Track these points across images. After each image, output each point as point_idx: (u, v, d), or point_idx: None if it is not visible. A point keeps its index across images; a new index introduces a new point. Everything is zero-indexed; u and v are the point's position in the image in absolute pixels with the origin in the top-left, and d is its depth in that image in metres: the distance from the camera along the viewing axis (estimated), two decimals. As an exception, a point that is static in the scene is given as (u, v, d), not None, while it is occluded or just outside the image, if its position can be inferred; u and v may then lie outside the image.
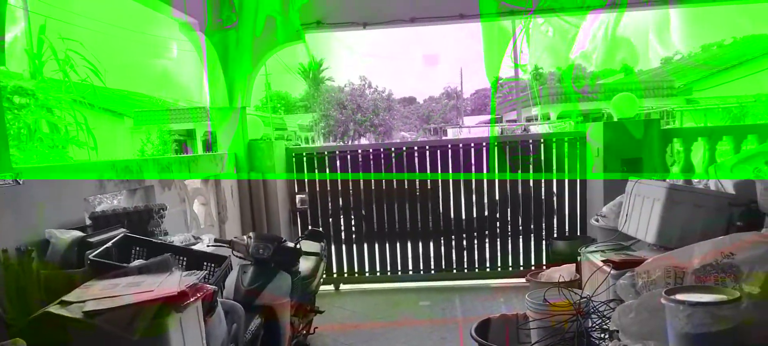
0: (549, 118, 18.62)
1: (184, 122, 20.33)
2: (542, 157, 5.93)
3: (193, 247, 3.17)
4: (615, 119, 5.53)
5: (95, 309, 1.98)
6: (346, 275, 6.35)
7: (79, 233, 2.77)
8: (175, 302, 2.08)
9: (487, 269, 6.19)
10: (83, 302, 2.05)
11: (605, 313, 2.23)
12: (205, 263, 2.90)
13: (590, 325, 2.23)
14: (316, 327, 4.64)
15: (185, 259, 2.88)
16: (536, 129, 18.41)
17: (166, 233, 3.33)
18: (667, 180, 3.74)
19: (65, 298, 2.11)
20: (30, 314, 2.10)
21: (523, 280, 5.51)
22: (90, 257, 2.52)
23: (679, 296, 1.68)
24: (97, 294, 2.12)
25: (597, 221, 4.13)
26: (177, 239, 3.23)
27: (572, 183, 5.90)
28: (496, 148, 5.92)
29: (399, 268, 6.31)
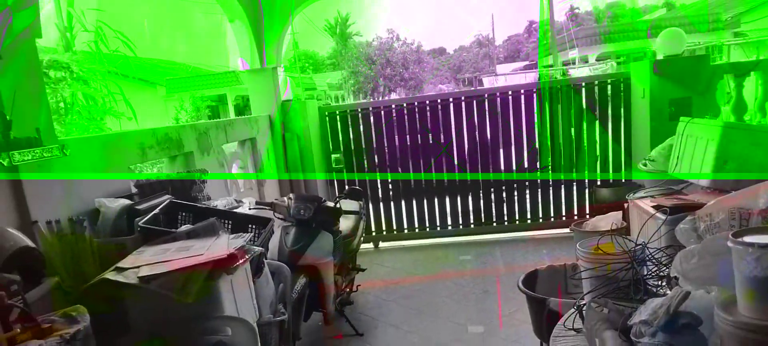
0: (587, 61, 17.96)
1: (216, 87, 20.48)
2: (583, 103, 5.71)
3: (236, 210, 3.20)
4: (660, 57, 5.25)
5: (149, 274, 2.01)
6: (384, 232, 6.37)
7: (127, 201, 2.82)
8: (226, 266, 2.10)
9: (529, 220, 6.10)
10: (137, 267, 2.09)
11: (662, 260, 2.14)
12: (249, 226, 2.93)
13: (645, 272, 2.14)
14: (359, 285, 4.70)
15: (230, 222, 2.91)
16: (576, 72, 17.81)
17: (208, 198, 3.36)
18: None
19: (120, 264, 2.15)
20: (86, 281, 2.16)
21: (566, 230, 5.41)
22: (139, 224, 2.57)
23: (747, 239, 1.58)
24: (150, 260, 2.16)
25: (644, 165, 3.97)
26: (220, 204, 3.27)
27: (616, 127, 5.69)
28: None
29: (438, 223, 6.29)
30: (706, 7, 17.96)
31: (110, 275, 2.06)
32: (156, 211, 2.72)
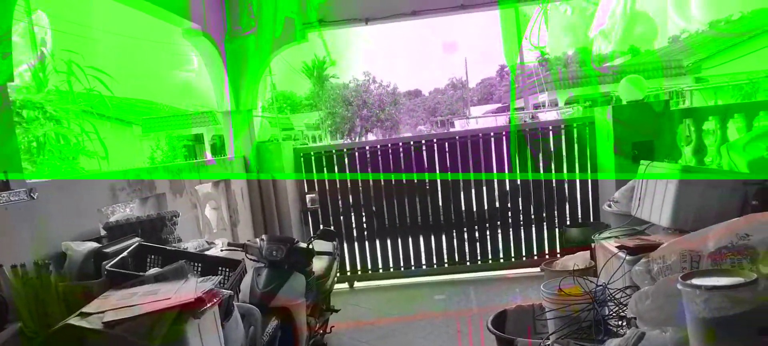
0: (556, 105, 18.49)
1: (192, 127, 20.43)
2: (552, 145, 5.89)
3: (207, 252, 3.20)
4: (624, 102, 5.48)
5: (114, 319, 2.00)
6: (359, 272, 6.37)
7: (94, 244, 2.80)
8: (193, 309, 2.10)
9: (501, 260, 6.18)
10: (102, 312, 2.08)
11: (622, 300, 2.21)
12: (219, 268, 2.93)
13: (607, 312, 2.22)
14: (333, 326, 4.66)
15: (200, 265, 2.91)
16: (544, 116, 18.30)
17: (179, 240, 3.35)
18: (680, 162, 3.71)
19: (84, 309, 2.13)
20: (50, 327, 2.13)
21: (537, 269, 5.50)
22: (106, 267, 2.55)
23: (696, 281, 1.67)
24: (116, 304, 2.14)
25: (610, 206, 4.11)
26: (191, 245, 3.26)
27: (583, 169, 5.87)
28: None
29: (412, 262, 6.31)
30: (669, 54, 18.78)
31: (74, 320, 2.04)
32: (124, 254, 2.70)
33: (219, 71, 5.55)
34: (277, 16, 5.53)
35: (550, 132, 5.90)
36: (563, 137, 5.85)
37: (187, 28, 5.12)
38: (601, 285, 2.20)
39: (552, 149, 5.90)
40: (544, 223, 6.07)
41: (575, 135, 5.81)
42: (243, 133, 5.83)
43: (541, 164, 5.96)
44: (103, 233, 3.12)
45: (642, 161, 3.76)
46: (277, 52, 5.90)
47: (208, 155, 19.66)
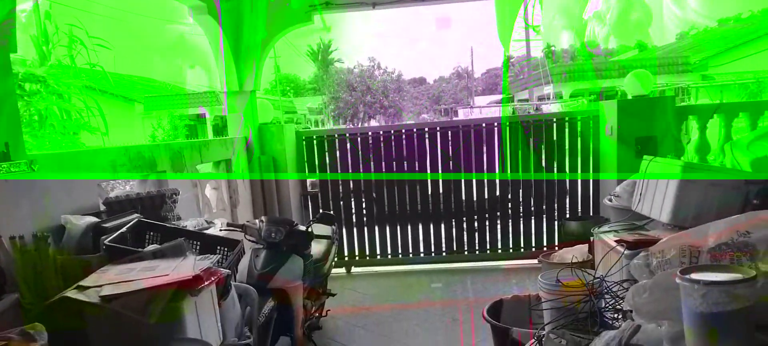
0: (561, 97, 18.41)
1: (195, 107, 20.38)
2: (555, 137, 5.87)
3: (206, 231, 3.20)
4: (629, 97, 5.45)
5: (111, 294, 2.00)
6: (357, 257, 6.38)
7: (93, 219, 2.80)
8: (190, 286, 2.10)
9: (499, 251, 6.19)
10: (99, 286, 2.08)
11: (619, 293, 2.21)
12: (218, 247, 2.93)
13: (603, 305, 2.22)
14: (329, 310, 4.68)
15: (199, 243, 2.91)
16: (548, 108, 18.23)
17: (179, 218, 3.35)
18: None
19: (82, 283, 2.14)
20: (47, 299, 2.14)
21: (535, 261, 5.51)
22: (105, 242, 2.55)
23: (694, 276, 1.66)
24: (113, 279, 2.15)
25: (610, 200, 4.10)
26: (190, 224, 3.26)
27: (585, 162, 5.85)
28: (507, 128, 5.87)
29: (410, 250, 6.32)
30: (676, 50, 18.65)
31: (71, 293, 2.05)
32: (123, 229, 2.70)
33: (221, 48, 5.48)
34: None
35: (554, 124, 5.86)
36: (567, 129, 5.81)
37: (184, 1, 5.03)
38: (598, 277, 2.20)
39: (554, 141, 5.87)
40: (544, 215, 6.06)
41: (579, 128, 5.78)
42: (246, 115, 5.80)
43: (543, 156, 5.94)
44: (102, 208, 3.12)
45: (644, 157, 3.74)
46: (281, 34, 5.86)
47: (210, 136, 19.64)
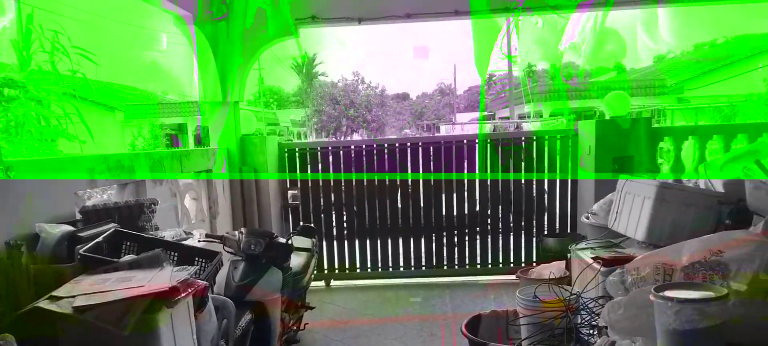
0: (541, 116, 18.68)
1: (176, 116, 20.19)
2: (534, 155, 5.96)
3: (184, 242, 3.16)
4: (607, 117, 5.56)
5: (85, 304, 1.97)
6: (337, 271, 6.35)
7: (69, 228, 2.75)
8: (166, 298, 2.07)
9: (478, 266, 6.22)
10: (73, 297, 2.04)
11: (594, 309, 2.24)
12: (196, 259, 2.89)
13: (580, 321, 2.24)
14: (307, 323, 4.65)
15: (176, 254, 2.87)
16: (528, 126, 18.46)
17: (157, 228, 3.31)
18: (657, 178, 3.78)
19: (55, 293, 2.10)
20: (19, 308, 2.09)
21: (513, 277, 5.55)
22: (80, 251, 2.51)
23: (668, 293, 1.70)
24: (87, 289, 2.11)
25: (587, 218, 4.16)
26: (168, 234, 3.22)
27: (563, 180, 5.94)
28: (486, 145, 5.94)
29: (390, 264, 6.32)
30: (653, 73, 19.10)
31: (43, 303, 2.01)
32: (99, 239, 2.66)
33: (189, 55, 5.48)
34: (248, 5, 5.48)
35: (534, 142, 5.95)
36: (546, 147, 5.90)
37: (168, 11, 5.03)
38: (575, 294, 2.23)
39: (532, 156, 5.95)
40: (522, 231, 6.12)
41: (558, 146, 5.88)
42: (227, 125, 5.77)
43: (522, 173, 6.01)
44: (78, 216, 3.07)
45: (621, 176, 3.82)
46: (265, 47, 5.86)
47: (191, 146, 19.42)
